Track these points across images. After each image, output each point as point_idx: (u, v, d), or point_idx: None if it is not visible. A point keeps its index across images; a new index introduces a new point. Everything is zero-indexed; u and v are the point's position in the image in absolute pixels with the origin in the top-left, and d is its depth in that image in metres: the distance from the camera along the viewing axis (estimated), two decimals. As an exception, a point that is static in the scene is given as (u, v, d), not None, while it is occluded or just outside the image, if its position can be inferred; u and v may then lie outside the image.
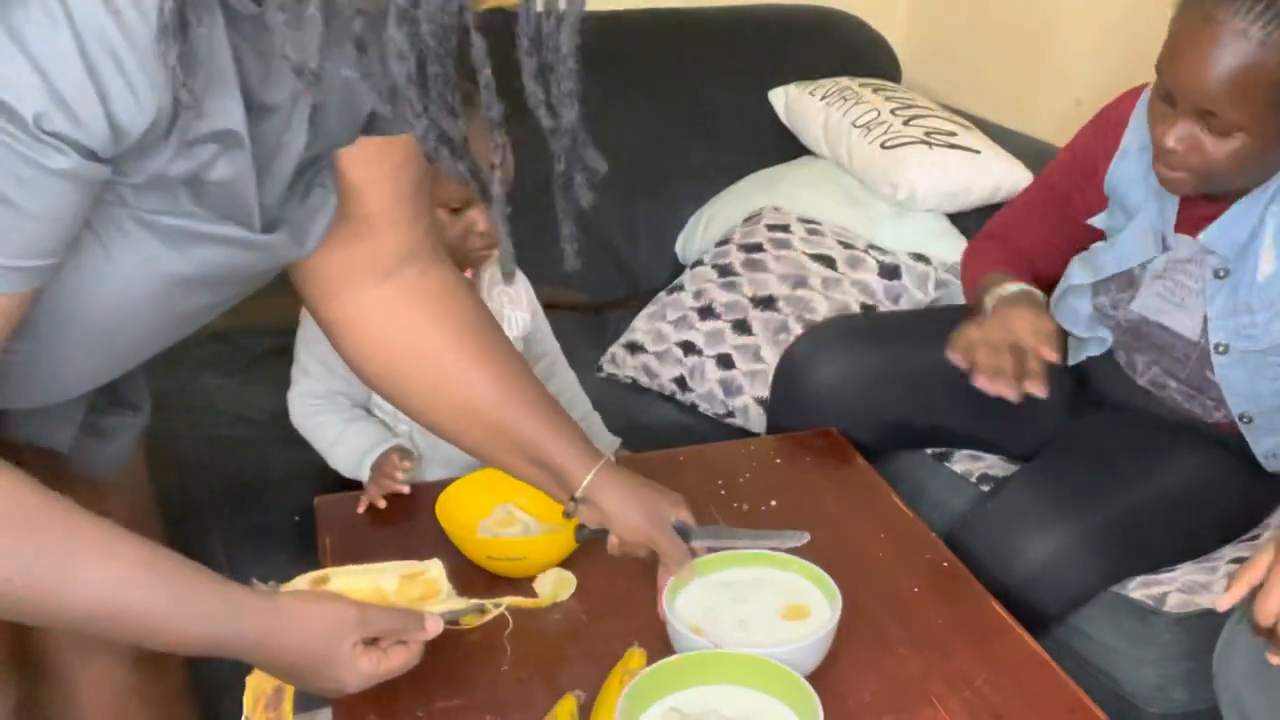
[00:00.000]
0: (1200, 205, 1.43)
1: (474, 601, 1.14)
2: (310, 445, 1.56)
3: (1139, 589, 1.46)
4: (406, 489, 1.43)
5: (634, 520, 1.15)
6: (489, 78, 0.80)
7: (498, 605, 1.16)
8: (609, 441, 1.73)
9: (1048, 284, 1.66)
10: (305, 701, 1.74)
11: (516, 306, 1.64)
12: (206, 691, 1.45)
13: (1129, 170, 1.49)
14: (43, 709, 1.24)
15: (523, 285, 1.66)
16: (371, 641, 1.00)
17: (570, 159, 0.85)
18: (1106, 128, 1.54)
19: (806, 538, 1.22)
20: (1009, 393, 1.40)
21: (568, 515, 1.18)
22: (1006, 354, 1.42)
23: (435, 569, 1.14)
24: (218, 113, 0.81)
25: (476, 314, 1.16)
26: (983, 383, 1.41)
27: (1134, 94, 1.52)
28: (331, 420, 1.52)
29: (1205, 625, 1.35)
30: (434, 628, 1.04)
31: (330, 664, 0.98)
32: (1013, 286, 1.53)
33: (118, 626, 0.90)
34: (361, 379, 1.17)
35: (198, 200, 0.85)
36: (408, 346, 1.12)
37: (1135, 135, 1.50)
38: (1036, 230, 1.66)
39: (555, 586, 1.26)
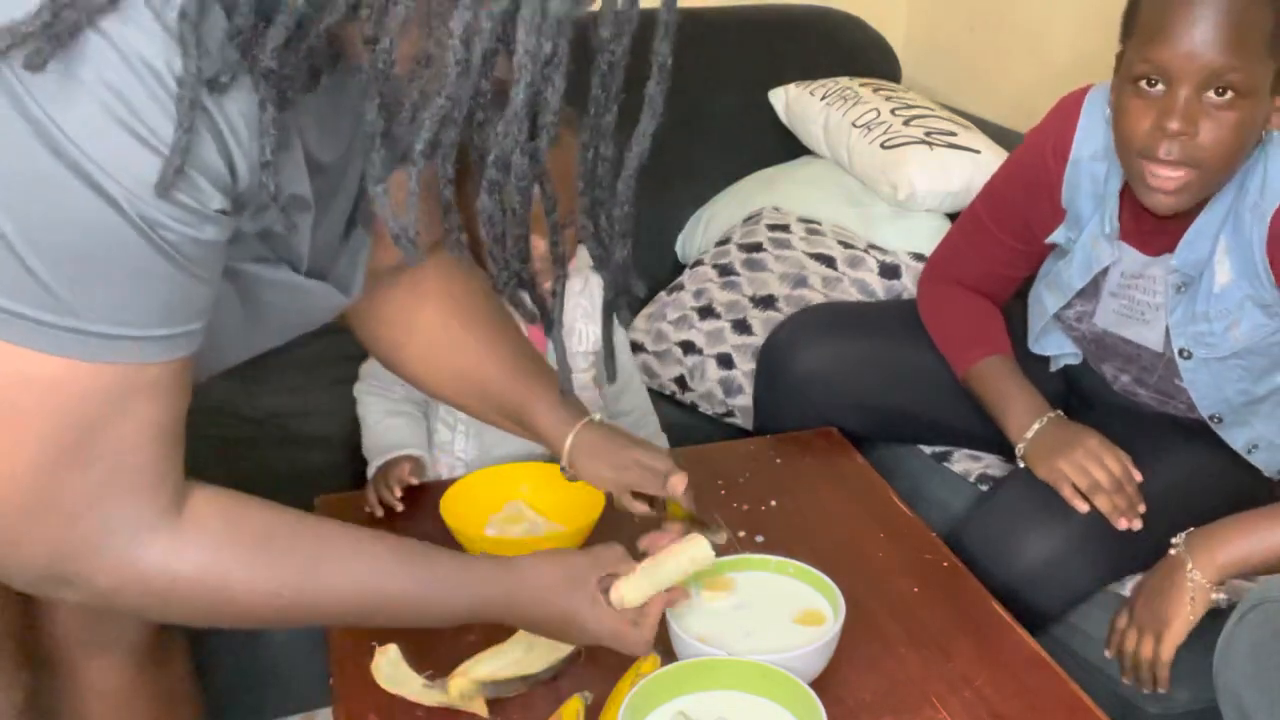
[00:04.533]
0: (1143, 217, 1.43)
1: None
2: (312, 445, 1.56)
3: (1138, 588, 1.46)
4: (399, 506, 1.42)
5: (605, 476, 1.25)
6: (556, 219, 0.86)
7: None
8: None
9: (1002, 300, 1.68)
10: (305, 700, 1.75)
11: (590, 321, 1.64)
12: (209, 688, 1.45)
13: (1079, 179, 1.48)
14: (50, 706, 1.24)
15: (597, 300, 1.66)
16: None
17: (618, 289, 0.89)
18: (1055, 140, 1.51)
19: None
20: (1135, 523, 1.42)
21: (569, 477, 1.27)
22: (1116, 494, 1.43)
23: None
24: (287, 180, 0.83)
25: (467, 288, 1.22)
26: (1124, 524, 1.42)
27: (1075, 100, 1.50)
28: (377, 404, 1.55)
29: (1205, 625, 1.35)
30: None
31: (574, 614, 1.04)
32: (1036, 423, 1.50)
33: (383, 614, 0.97)
34: (371, 353, 1.27)
35: (264, 245, 0.88)
36: (404, 324, 1.21)
37: (1085, 144, 1.48)
38: (990, 260, 1.65)
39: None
